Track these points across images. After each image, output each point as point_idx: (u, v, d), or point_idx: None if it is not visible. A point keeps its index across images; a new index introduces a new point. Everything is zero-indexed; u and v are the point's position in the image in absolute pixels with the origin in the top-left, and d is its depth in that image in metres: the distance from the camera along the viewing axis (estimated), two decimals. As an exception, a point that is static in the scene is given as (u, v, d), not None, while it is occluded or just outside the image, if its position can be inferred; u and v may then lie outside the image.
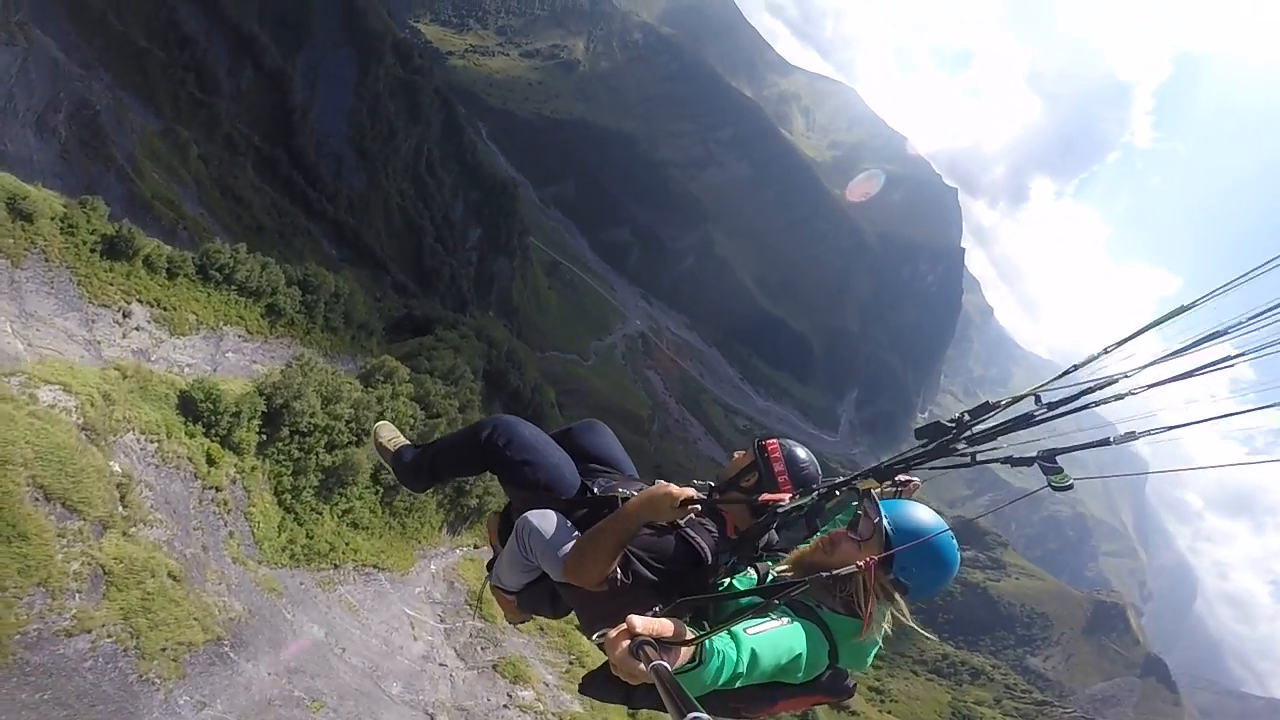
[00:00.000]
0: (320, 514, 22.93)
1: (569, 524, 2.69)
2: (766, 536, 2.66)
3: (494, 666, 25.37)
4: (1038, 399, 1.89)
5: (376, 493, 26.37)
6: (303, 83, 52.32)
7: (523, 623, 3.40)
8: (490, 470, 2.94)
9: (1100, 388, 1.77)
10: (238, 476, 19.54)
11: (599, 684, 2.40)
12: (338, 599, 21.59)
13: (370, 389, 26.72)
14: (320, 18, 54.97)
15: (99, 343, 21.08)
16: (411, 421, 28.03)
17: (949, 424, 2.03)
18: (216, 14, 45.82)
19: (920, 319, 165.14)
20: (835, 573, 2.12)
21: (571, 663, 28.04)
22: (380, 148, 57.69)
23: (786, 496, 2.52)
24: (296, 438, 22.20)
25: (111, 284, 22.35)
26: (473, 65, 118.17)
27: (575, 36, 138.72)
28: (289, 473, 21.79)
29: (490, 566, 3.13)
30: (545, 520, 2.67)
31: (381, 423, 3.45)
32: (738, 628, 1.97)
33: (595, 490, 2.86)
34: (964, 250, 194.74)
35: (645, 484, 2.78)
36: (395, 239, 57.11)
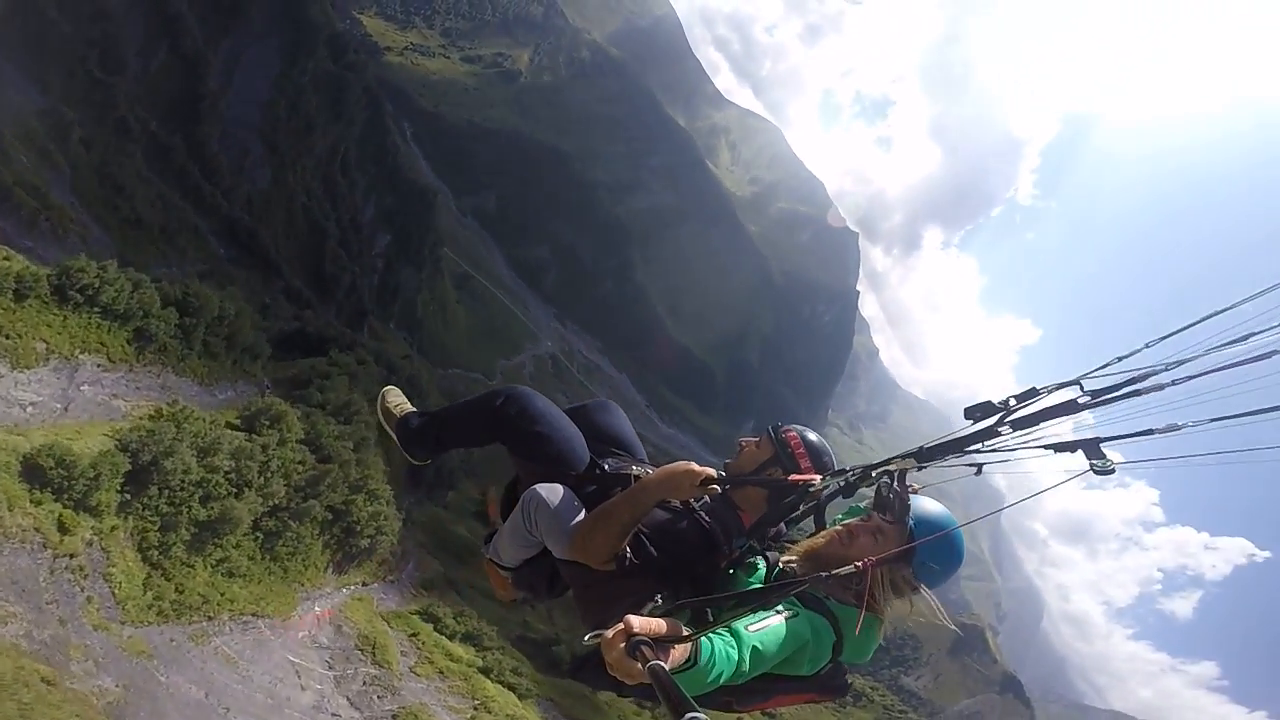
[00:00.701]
0: (192, 567, 21.91)
1: (576, 500, 2.61)
2: (780, 525, 2.62)
3: (393, 717, 24.25)
4: (1081, 387, 1.91)
5: (256, 539, 25.19)
6: (221, 69, 48.49)
7: (514, 601, 3.53)
8: (500, 441, 2.88)
9: (1143, 379, 1.79)
10: (94, 539, 18.42)
11: (592, 671, 2.33)
12: (213, 652, 20.74)
13: (255, 435, 25.70)
14: (258, 2, 51.34)
15: (-88, 385, 18.26)
16: (300, 468, 27.12)
17: (999, 405, 2.04)
18: (144, -13, 42.01)
19: (815, 356, 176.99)
20: (835, 573, 2.07)
21: (476, 708, 26.99)
22: (293, 143, 54.57)
23: (818, 477, 2.46)
24: (166, 493, 21.22)
25: (-63, 309, 19.46)
26: (410, 64, 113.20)
27: (521, 47, 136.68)
28: (156, 529, 20.75)
29: (488, 540, 3.09)
30: (553, 493, 2.60)
31: (390, 387, 3.39)
32: (739, 624, 1.94)
33: (605, 468, 2.78)
34: (859, 293, 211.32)
35: (656, 468, 2.70)
36: (295, 241, 54.13)
